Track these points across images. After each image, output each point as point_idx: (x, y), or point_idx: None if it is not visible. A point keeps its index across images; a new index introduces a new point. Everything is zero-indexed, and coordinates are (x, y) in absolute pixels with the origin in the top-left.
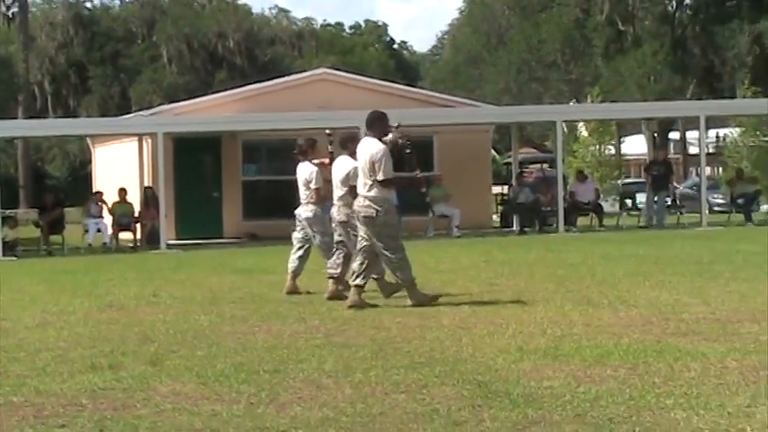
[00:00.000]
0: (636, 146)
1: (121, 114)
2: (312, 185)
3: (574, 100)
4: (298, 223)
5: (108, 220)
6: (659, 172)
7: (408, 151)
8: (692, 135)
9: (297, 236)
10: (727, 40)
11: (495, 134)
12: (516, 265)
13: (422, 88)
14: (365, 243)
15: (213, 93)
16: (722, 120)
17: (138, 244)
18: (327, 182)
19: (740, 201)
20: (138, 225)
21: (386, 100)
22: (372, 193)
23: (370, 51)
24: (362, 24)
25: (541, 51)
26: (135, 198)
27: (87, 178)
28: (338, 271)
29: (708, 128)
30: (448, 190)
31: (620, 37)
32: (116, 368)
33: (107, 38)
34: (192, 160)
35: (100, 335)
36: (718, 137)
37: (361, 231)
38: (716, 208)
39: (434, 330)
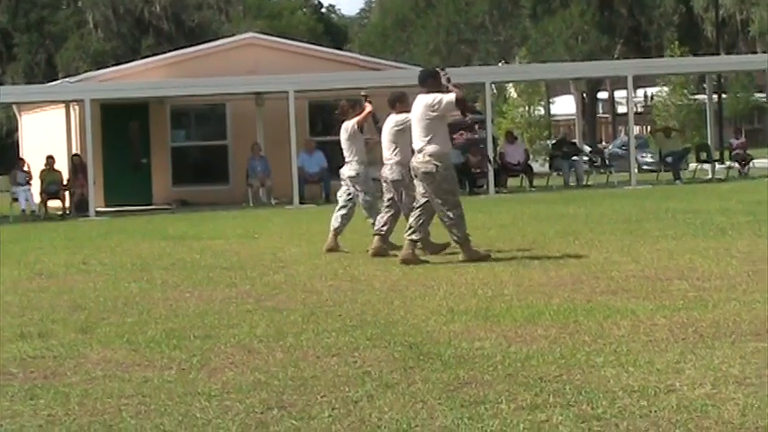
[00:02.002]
0: (565, 106)
1: (48, 82)
2: (359, 138)
3: (502, 61)
4: (342, 182)
5: (35, 188)
6: (568, 150)
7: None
8: (620, 95)
9: (341, 194)
10: None
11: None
12: None
13: (350, 51)
14: (424, 200)
15: (140, 59)
16: (650, 79)
17: (67, 212)
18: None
19: (669, 159)
20: (67, 193)
21: (314, 63)
22: (431, 149)
23: (298, 15)
24: None
25: (470, 13)
26: (63, 166)
27: (14, 146)
28: (384, 228)
29: (636, 87)
30: (378, 154)
31: None
32: (46, 336)
33: (32, 4)
34: (120, 127)
35: (29, 303)
36: (646, 96)
37: (420, 187)
38: (645, 167)
39: (366, 293)
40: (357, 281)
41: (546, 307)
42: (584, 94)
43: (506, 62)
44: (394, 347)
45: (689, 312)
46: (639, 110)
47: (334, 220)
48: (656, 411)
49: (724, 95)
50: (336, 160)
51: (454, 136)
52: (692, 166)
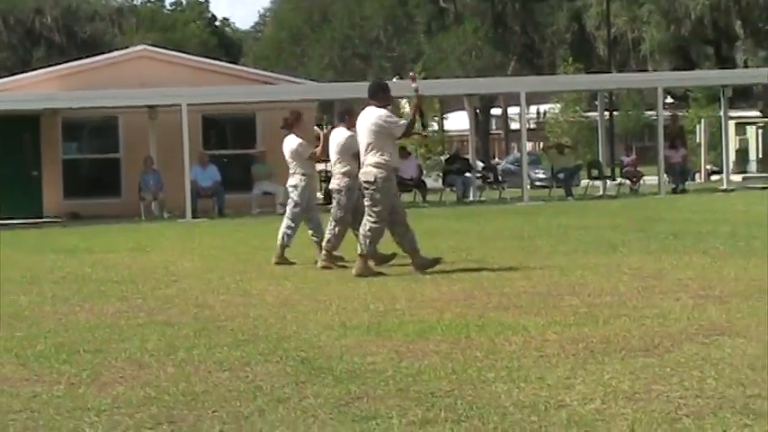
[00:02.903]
0: (458, 122)
1: None
2: (305, 156)
3: (396, 76)
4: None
5: None
6: (461, 165)
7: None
8: (513, 111)
9: (288, 204)
10: (546, 17)
11: (319, 111)
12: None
13: (244, 65)
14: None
15: (32, 70)
16: (543, 96)
17: None
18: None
19: (561, 175)
20: None
21: (208, 77)
22: (375, 160)
23: (192, 28)
24: (183, 1)
25: (364, 28)
26: None
27: None
28: (329, 244)
29: (529, 104)
30: (272, 167)
31: (441, 14)
32: None
33: None
34: (11, 139)
35: None
36: (538, 113)
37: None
38: (537, 183)
39: (258, 308)
40: (249, 295)
41: (438, 322)
42: (478, 110)
43: (401, 77)
44: (286, 362)
45: (580, 328)
46: (532, 126)
47: (281, 234)
48: (546, 427)
49: (615, 113)
50: (230, 173)
51: None
52: (584, 182)
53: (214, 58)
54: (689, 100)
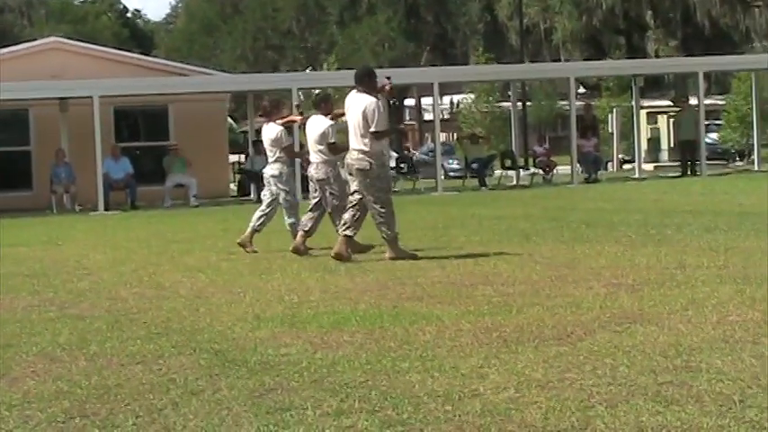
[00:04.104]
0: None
1: None
2: (283, 144)
3: (310, 67)
4: (265, 182)
5: None
6: None
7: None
8: (426, 101)
9: (265, 194)
10: (459, 7)
11: (232, 102)
12: None
13: (156, 57)
14: (359, 196)
15: None
16: (456, 86)
17: None
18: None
19: (474, 166)
20: None
21: (120, 69)
22: (366, 146)
23: (103, 20)
24: None
25: (277, 19)
26: None
27: None
28: (308, 226)
29: (442, 94)
30: (184, 159)
31: (354, 4)
32: None
33: None
34: None
35: None
36: (452, 103)
37: (354, 185)
38: (451, 173)
39: (171, 300)
40: (162, 288)
41: (352, 313)
42: (391, 101)
43: (314, 68)
44: (199, 354)
45: (493, 317)
46: (446, 117)
47: (256, 219)
48: (460, 416)
49: (528, 103)
50: (142, 166)
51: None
52: (498, 172)
53: (126, 50)
54: (601, 89)
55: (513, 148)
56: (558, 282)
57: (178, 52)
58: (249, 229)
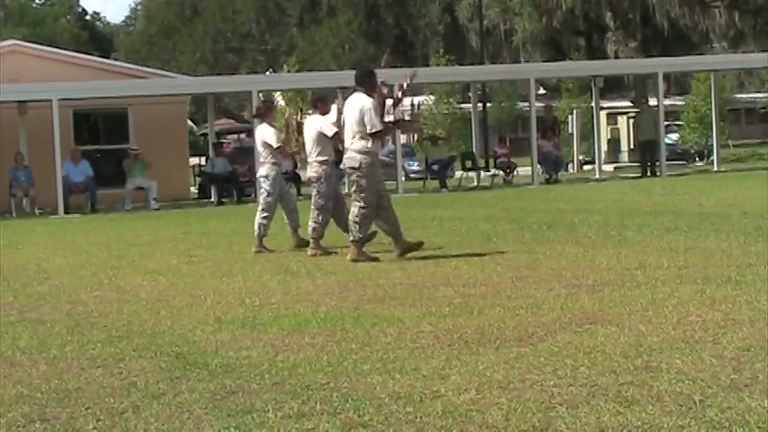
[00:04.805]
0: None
1: None
2: (273, 145)
3: (270, 70)
4: (257, 183)
5: None
6: (337, 158)
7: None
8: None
9: (261, 197)
10: (419, 9)
11: (192, 105)
12: (215, 237)
13: (116, 60)
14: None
15: None
16: (416, 88)
17: None
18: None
19: (435, 167)
20: None
21: (79, 72)
22: (359, 146)
23: (62, 23)
24: None
25: (236, 21)
26: None
27: None
28: (315, 233)
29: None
30: (144, 162)
31: (314, 6)
32: None
33: None
34: None
35: None
36: (412, 104)
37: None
38: (412, 175)
39: (132, 304)
40: (123, 291)
41: (313, 315)
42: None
43: (274, 71)
44: (160, 358)
45: (454, 319)
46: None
47: (256, 224)
48: (421, 417)
49: (489, 104)
50: (102, 169)
51: (222, 144)
52: (458, 174)
53: (85, 53)
54: (561, 91)
55: (474, 150)
56: (518, 283)
57: (138, 55)
58: (256, 238)
